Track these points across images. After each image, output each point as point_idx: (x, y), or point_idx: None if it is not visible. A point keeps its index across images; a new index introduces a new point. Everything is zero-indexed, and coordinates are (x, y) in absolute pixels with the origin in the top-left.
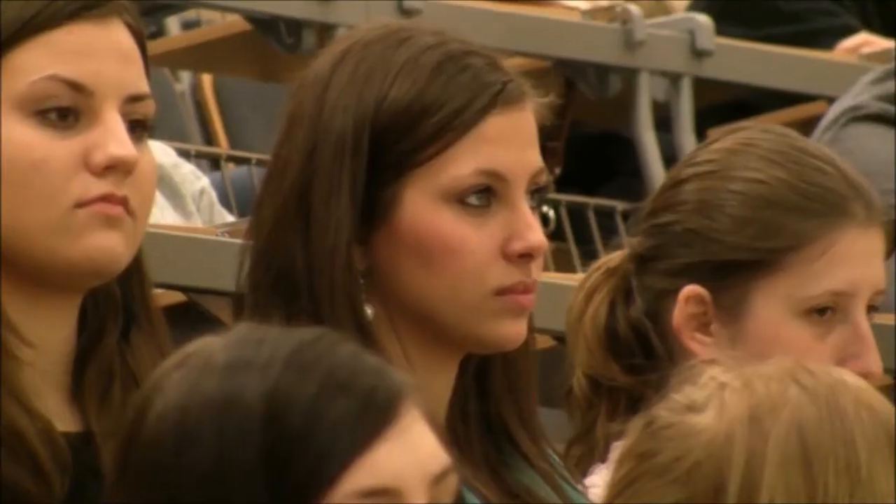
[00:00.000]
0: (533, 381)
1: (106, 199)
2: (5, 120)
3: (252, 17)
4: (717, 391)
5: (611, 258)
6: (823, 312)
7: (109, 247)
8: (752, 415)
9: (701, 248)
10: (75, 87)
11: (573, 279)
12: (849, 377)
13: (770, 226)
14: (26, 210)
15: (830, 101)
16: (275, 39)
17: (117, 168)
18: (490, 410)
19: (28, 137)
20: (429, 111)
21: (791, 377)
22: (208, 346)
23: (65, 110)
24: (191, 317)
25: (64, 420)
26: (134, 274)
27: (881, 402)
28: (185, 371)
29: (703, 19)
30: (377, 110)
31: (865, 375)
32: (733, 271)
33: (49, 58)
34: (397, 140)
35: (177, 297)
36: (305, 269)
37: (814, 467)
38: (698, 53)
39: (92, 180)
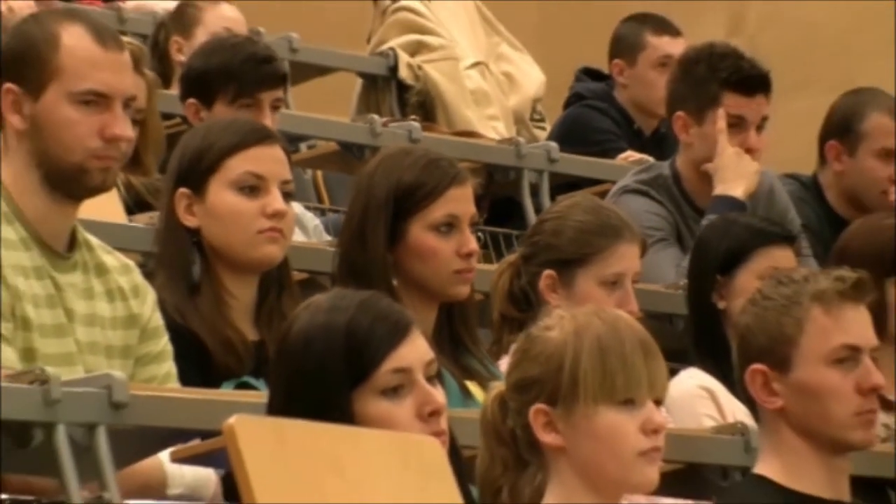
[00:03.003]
0: (475, 315)
1: (272, 230)
2: (224, 192)
3: (340, 143)
4: (559, 321)
5: (510, 257)
6: (611, 284)
7: (273, 254)
8: (576, 332)
9: (554, 253)
10: (258, 177)
11: (492, 268)
12: (622, 314)
13: (585, 241)
14: (233, 235)
15: (614, 183)
16: (351, 153)
17: (278, 215)
18: (453, 331)
19: (235, 200)
20: (421, 186)
21: (595, 314)
22: (318, 299)
23: (252, 187)
24: (311, 285)
25: (251, 334)
26: (284, 264)
27: (638, 325)
28: (307, 311)
29: (554, 144)
30: (396, 187)
31: (630, 313)
32: (568, 264)
33: (245, 162)
34: (406, 201)
35: (304, 276)
36: (363, 264)
37: (605, 358)
38: (552, 160)
39: (265, 220)
